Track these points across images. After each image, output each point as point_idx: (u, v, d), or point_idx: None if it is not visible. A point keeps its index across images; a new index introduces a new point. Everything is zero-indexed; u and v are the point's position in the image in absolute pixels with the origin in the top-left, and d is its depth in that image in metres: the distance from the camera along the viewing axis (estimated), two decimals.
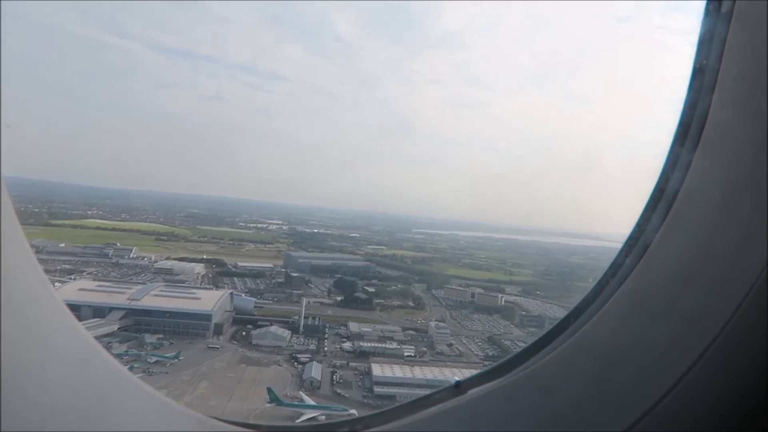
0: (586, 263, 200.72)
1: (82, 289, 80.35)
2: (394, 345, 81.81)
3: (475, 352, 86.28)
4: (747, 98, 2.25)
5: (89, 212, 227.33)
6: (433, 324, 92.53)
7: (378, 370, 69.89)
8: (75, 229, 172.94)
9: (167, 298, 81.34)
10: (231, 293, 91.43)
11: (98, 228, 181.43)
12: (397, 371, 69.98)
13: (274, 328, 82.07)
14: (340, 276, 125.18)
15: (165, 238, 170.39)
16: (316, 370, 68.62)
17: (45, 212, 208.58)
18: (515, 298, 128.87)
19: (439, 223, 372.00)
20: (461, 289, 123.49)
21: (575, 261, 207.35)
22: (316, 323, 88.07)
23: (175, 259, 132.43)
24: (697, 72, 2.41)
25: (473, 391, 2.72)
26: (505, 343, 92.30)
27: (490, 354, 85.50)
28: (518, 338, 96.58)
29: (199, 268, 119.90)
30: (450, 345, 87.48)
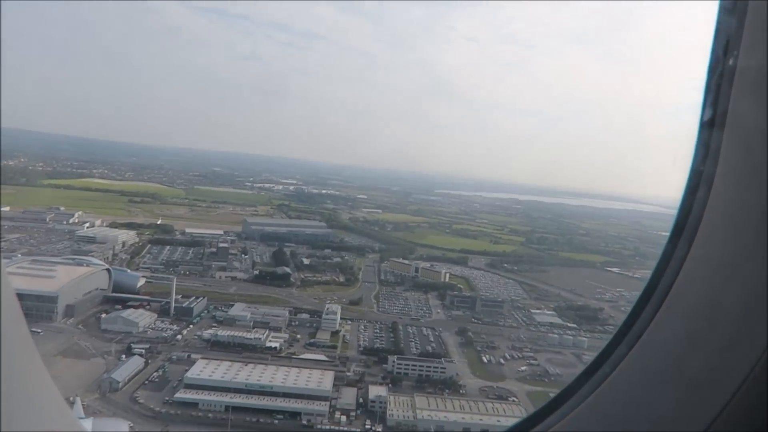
0: (595, 229, 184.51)
1: None
2: (260, 333, 72.28)
3: (362, 342, 75.97)
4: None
5: (95, 171, 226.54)
6: (326, 307, 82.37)
7: (198, 369, 60.39)
8: (59, 189, 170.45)
9: (17, 276, 74.27)
10: (108, 269, 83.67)
11: (84, 188, 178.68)
12: (221, 372, 60.20)
13: (127, 312, 74.14)
14: (278, 246, 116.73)
15: (138, 200, 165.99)
16: (126, 369, 60.25)
17: (50, 170, 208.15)
18: (473, 271, 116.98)
19: (468, 183, 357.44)
20: (406, 263, 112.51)
21: (587, 226, 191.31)
22: (192, 305, 79.59)
23: (120, 225, 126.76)
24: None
25: None
26: (409, 330, 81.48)
27: (376, 347, 74.98)
28: (432, 323, 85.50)
29: (127, 236, 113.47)
30: (336, 332, 77.33)
